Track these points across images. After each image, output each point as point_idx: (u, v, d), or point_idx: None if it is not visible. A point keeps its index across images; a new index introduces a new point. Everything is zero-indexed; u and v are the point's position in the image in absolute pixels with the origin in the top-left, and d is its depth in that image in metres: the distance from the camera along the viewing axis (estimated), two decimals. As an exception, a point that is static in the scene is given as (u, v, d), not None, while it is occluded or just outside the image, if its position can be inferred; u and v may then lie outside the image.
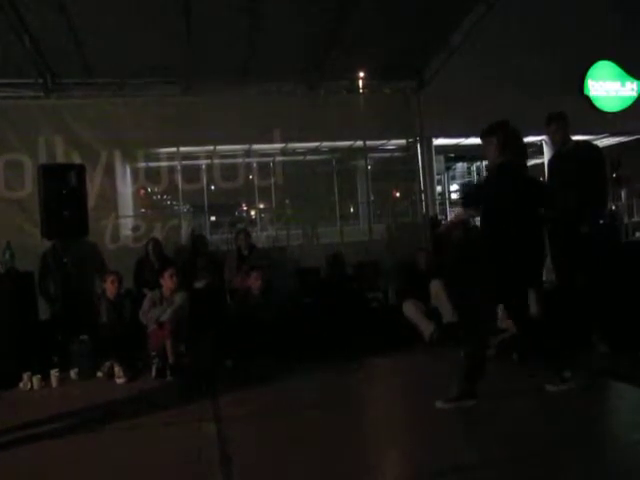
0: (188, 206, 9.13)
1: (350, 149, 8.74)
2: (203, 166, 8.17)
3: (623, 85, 11.72)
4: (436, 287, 6.02)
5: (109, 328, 5.50)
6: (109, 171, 7.36)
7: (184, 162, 8.01)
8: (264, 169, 8.28)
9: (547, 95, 7.97)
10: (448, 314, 5.87)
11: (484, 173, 15.84)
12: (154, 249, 6.64)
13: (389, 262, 7.41)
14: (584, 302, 4.76)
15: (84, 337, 5.54)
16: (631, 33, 10.39)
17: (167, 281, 5.59)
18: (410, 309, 5.97)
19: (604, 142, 12.52)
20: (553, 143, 5.20)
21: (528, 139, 10.99)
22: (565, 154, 5.01)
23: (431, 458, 3.06)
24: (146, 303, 5.57)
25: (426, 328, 5.80)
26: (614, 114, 11.51)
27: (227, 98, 7.77)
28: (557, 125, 4.94)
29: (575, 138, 5.13)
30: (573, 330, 4.69)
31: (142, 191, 8.35)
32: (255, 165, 8.30)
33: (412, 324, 5.92)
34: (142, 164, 7.69)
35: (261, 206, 9.24)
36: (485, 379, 3.79)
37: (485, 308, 3.97)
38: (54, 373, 5.18)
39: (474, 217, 5.10)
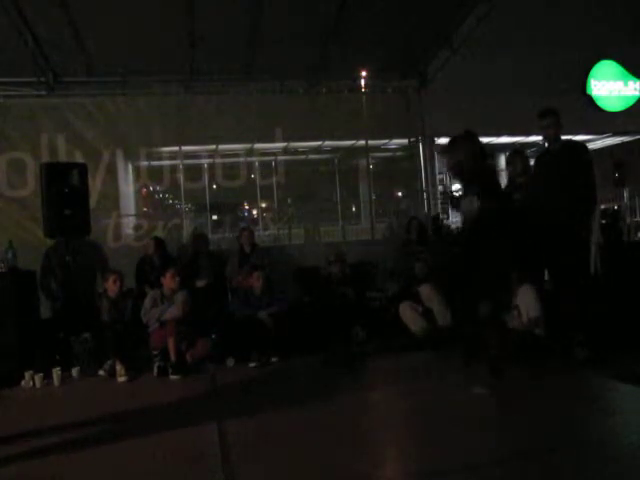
0: (190, 205, 9.14)
1: (352, 148, 8.74)
2: (205, 165, 8.19)
3: (626, 85, 11.70)
4: (427, 291, 6.00)
5: (111, 327, 5.50)
6: (111, 170, 7.38)
7: (186, 161, 8.02)
8: (266, 168, 8.30)
9: (549, 95, 7.94)
10: (441, 317, 5.83)
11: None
12: (156, 248, 6.65)
13: (390, 262, 7.40)
14: (575, 303, 4.70)
15: (86, 335, 5.55)
16: (634, 32, 10.36)
17: (168, 281, 5.61)
18: (406, 311, 5.95)
19: (607, 142, 12.48)
20: (545, 138, 5.14)
21: (530, 139, 10.98)
22: (553, 152, 5.00)
23: (432, 458, 3.06)
24: (147, 302, 5.57)
25: (418, 326, 5.78)
26: (617, 114, 11.49)
27: (229, 97, 7.78)
28: (551, 119, 4.88)
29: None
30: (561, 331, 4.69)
31: (144, 190, 8.36)
32: (257, 164, 8.32)
33: (407, 326, 5.89)
34: (144, 163, 7.70)
35: (263, 205, 9.25)
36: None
37: None
38: (56, 371, 5.18)
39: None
